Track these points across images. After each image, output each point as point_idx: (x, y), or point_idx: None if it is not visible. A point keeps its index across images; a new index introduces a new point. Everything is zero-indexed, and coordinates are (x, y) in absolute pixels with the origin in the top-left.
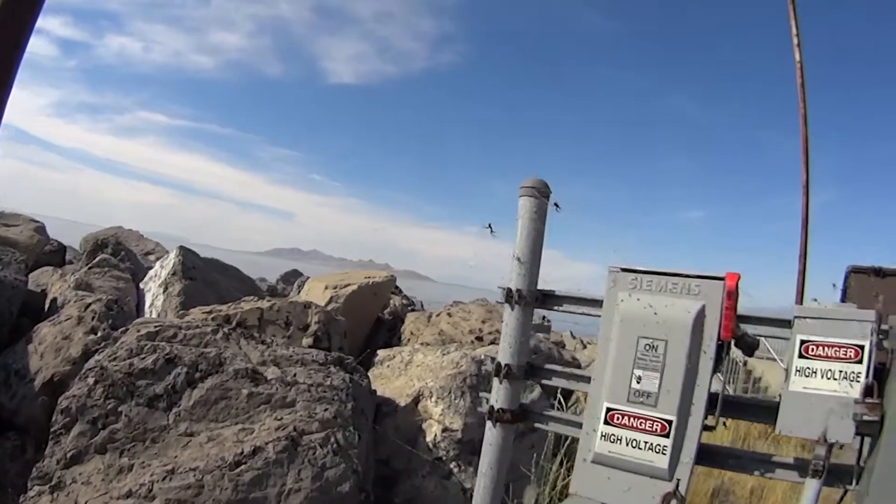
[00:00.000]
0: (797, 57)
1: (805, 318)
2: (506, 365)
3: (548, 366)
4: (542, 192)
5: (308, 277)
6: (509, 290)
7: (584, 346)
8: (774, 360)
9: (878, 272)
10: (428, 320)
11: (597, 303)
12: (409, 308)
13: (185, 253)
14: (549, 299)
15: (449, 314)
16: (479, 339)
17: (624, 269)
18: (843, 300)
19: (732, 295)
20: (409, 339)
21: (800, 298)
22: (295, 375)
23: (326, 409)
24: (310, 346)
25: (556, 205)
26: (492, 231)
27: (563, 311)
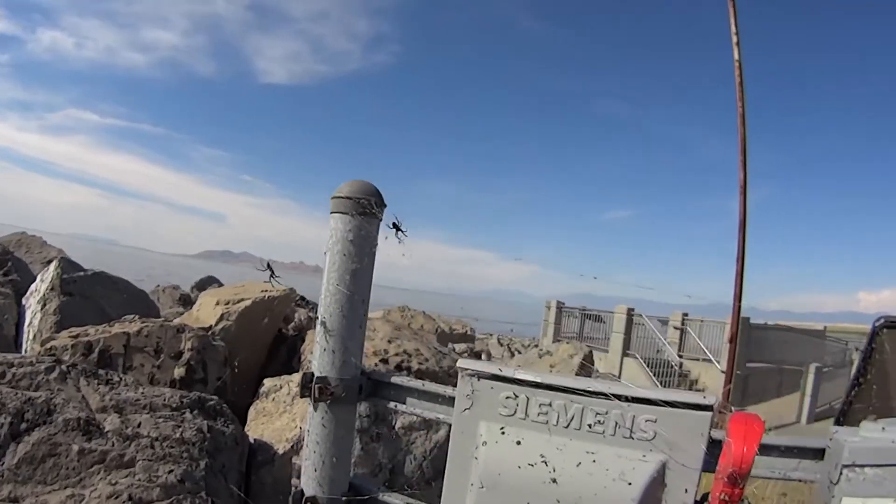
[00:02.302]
0: (736, 55)
1: (863, 468)
2: (307, 500)
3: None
4: (364, 208)
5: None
6: (309, 376)
7: (513, 354)
8: (710, 360)
9: None
10: None
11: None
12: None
13: (66, 265)
14: (381, 389)
15: None
16: (385, 361)
17: (495, 377)
18: (863, 368)
19: (744, 468)
20: (309, 361)
21: (738, 300)
22: (138, 426)
23: (171, 471)
24: (182, 378)
25: (395, 227)
26: (272, 274)
27: (408, 412)
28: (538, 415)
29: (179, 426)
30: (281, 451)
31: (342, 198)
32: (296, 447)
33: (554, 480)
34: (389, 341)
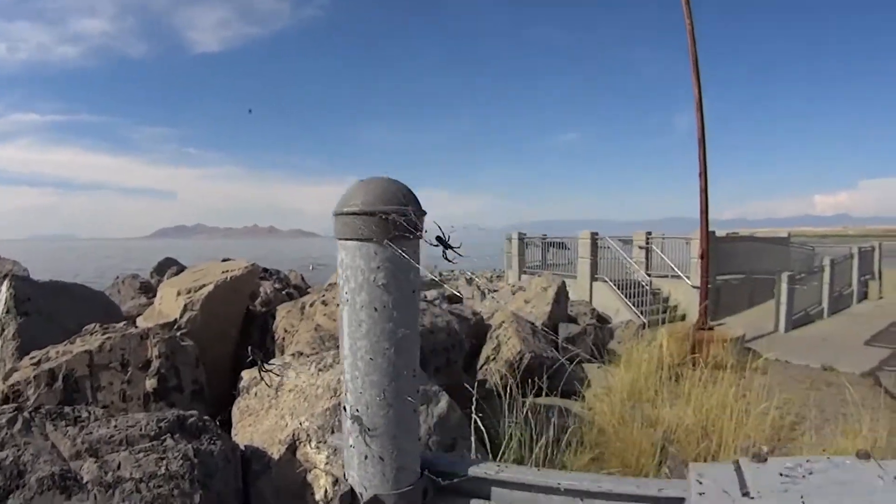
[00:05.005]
0: None
1: None
2: None
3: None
4: (399, 227)
5: (182, 268)
6: (347, 497)
7: (484, 295)
8: (679, 276)
9: None
10: (301, 312)
11: None
12: (284, 294)
13: (18, 283)
14: (453, 486)
15: (324, 302)
16: None
17: None
18: None
19: None
20: (283, 339)
21: (704, 217)
22: (118, 467)
23: None
24: (155, 389)
25: (441, 243)
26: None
27: None
28: None
29: (163, 458)
30: (276, 456)
31: (357, 214)
32: (291, 448)
33: None
34: None
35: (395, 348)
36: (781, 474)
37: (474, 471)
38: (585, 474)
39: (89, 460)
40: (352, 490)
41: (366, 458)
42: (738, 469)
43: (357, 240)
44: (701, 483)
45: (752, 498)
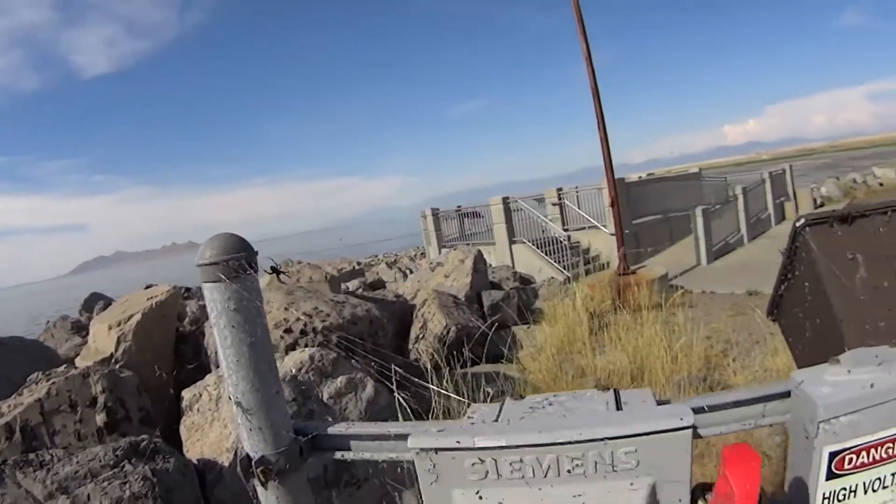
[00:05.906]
0: None
1: (839, 417)
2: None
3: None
4: (237, 270)
5: (109, 301)
6: (246, 461)
7: (406, 276)
8: (596, 227)
9: (845, 218)
10: None
11: None
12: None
13: None
14: (321, 441)
15: None
16: (288, 331)
17: (454, 450)
18: (790, 265)
19: None
20: (215, 354)
21: (608, 167)
22: (88, 499)
23: None
24: (106, 423)
25: (274, 271)
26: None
27: (358, 459)
28: (512, 472)
29: (125, 483)
30: (226, 464)
31: (209, 264)
32: (239, 455)
33: None
34: (286, 308)
35: (251, 352)
36: (531, 407)
37: (331, 430)
38: (409, 422)
39: (62, 498)
40: (248, 455)
41: (250, 430)
42: (501, 405)
43: (212, 282)
44: (471, 417)
45: (498, 422)
